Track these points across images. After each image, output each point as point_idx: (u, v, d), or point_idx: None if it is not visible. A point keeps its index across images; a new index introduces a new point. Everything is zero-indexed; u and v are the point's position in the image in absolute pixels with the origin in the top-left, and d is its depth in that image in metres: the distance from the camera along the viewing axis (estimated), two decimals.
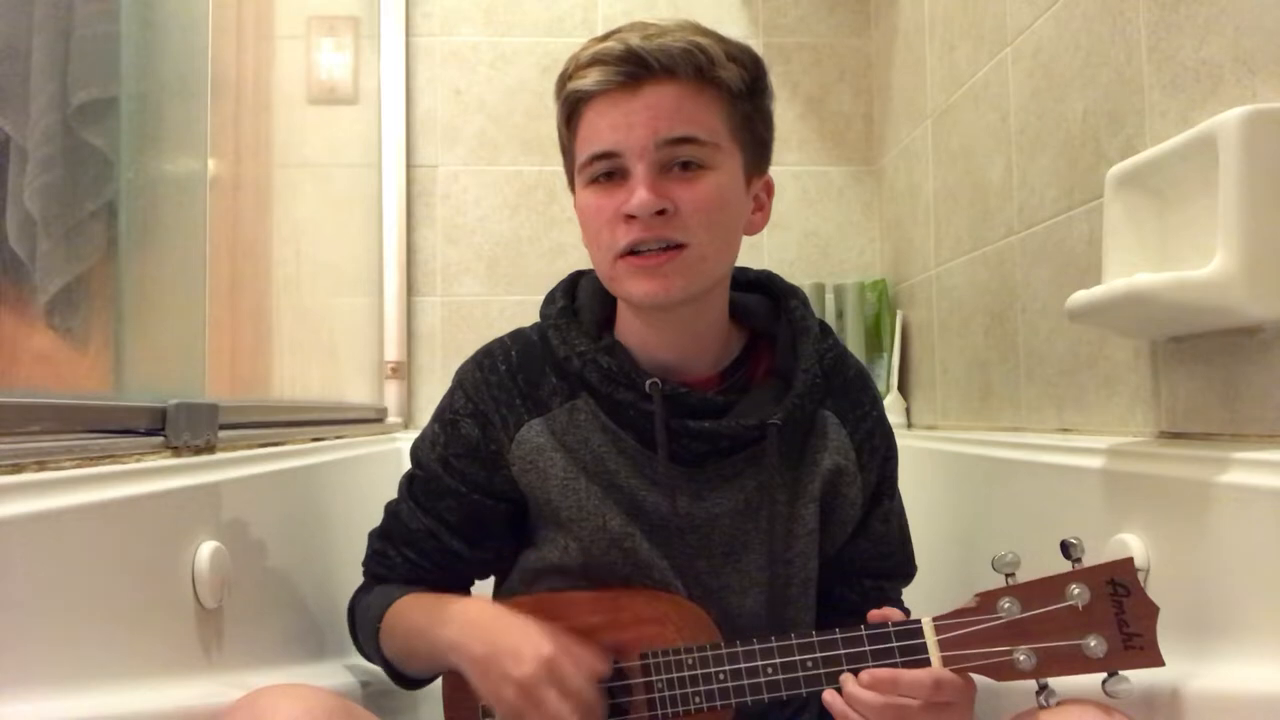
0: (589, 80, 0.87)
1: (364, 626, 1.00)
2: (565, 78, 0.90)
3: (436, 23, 2.03)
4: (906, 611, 0.99)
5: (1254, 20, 0.85)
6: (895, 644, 0.79)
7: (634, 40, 0.85)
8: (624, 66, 0.85)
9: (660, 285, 0.87)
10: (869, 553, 1.00)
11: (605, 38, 0.88)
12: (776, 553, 0.93)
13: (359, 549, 1.05)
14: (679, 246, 0.86)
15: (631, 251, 0.87)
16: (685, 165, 0.87)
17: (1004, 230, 1.38)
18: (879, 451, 0.99)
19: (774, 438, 0.91)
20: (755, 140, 0.93)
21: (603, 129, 0.87)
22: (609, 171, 0.88)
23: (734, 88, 0.88)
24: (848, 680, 0.79)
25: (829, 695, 0.79)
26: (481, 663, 0.84)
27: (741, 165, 0.91)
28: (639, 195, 0.85)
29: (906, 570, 1.04)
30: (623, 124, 0.86)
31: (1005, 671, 0.77)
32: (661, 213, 0.85)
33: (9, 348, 0.86)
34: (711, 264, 0.90)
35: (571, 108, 0.90)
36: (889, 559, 1.02)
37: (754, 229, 0.95)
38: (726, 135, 0.89)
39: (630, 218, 0.86)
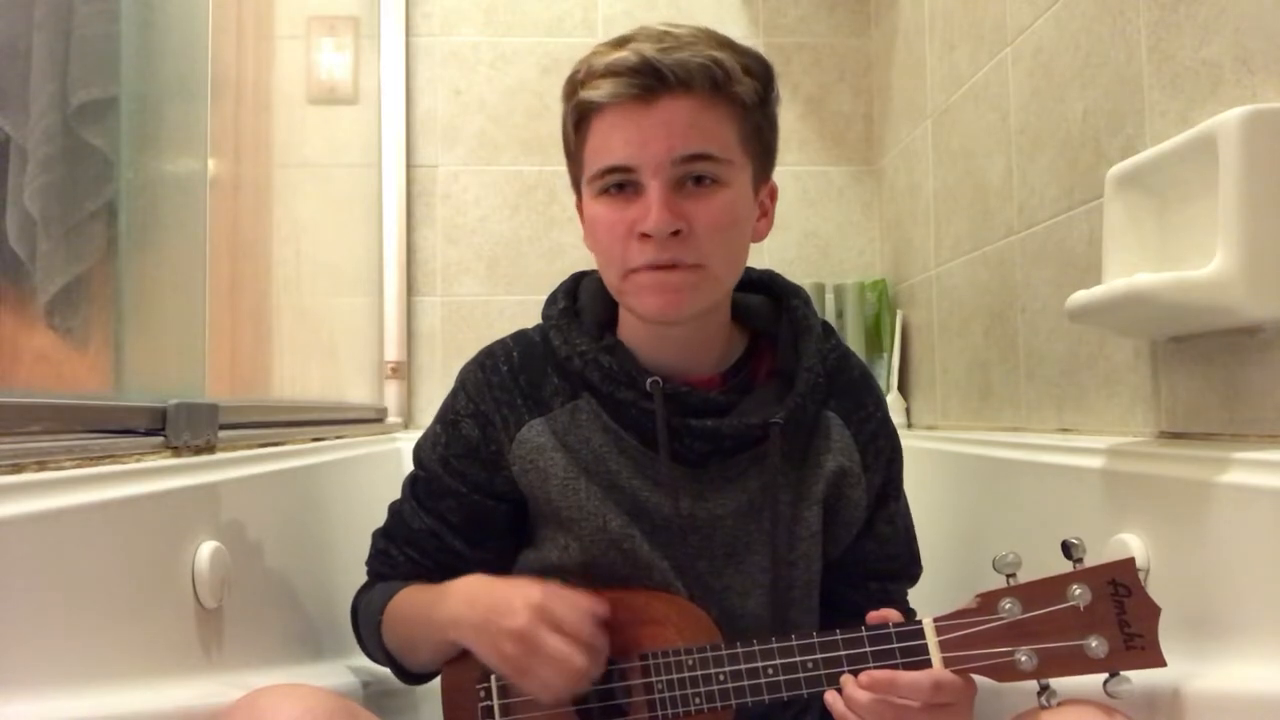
0: (602, 91, 0.85)
1: (367, 622, 1.00)
2: (576, 83, 0.88)
3: (436, 23, 2.02)
4: (912, 612, 0.99)
5: (1254, 20, 0.85)
6: (896, 645, 0.79)
7: (650, 51, 0.83)
8: (639, 79, 0.84)
9: (672, 303, 0.87)
10: (874, 554, 1.00)
11: (619, 45, 0.86)
12: (779, 554, 0.93)
13: (359, 549, 1.05)
14: (692, 267, 0.86)
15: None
16: (699, 180, 0.86)
17: (1004, 230, 1.38)
18: (883, 453, 0.99)
19: (777, 437, 0.91)
20: (764, 149, 0.92)
21: (616, 143, 0.86)
22: (620, 184, 0.87)
23: (748, 101, 0.87)
24: (847, 681, 0.78)
25: (830, 696, 0.79)
26: (478, 627, 0.84)
27: (751, 176, 0.91)
28: (654, 216, 0.84)
29: (912, 571, 1.04)
30: (636, 139, 0.85)
31: (1006, 672, 0.77)
32: (675, 233, 0.85)
33: (9, 348, 0.86)
34: (724, 282, 0.90)
35: (581, 115, 0.89)
36: (894, 560, 1.02)
37: (759, 236, 0.95)
38: (739, 149, 0.88)
39: (645, 236, 0.85)
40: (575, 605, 0.83)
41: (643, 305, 0.88)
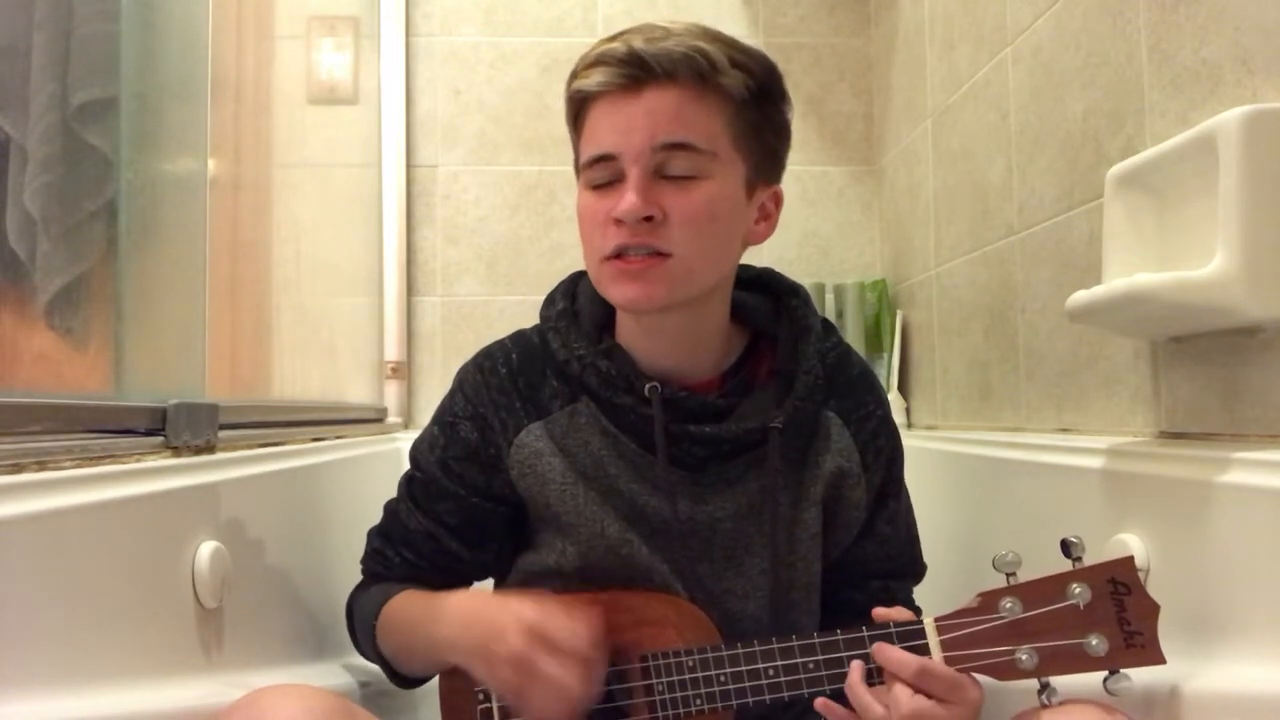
0: (592, 81, 0.87)
1: (362, 625, 1.00)
2: (572, 76, 0.91)
3: (436, 23, 2.02)
4: (917, 610, 0.99)
5: (1254, 20, 0.85)
6: (897, 644, 0.79)
7: (637, 43, 0.85)
8: (625, 69, 0.85)
9: (641, 291, 0.87)
10: (875, 555, 1.00)
11: (613, 39, 0.88)
12: (779, 556, 0.93)
13: (359, 549, 1.05)
14: (664, 255, 0.86)
15: (617, 255, 0.87)
16: (681, 176, 0.86)
17: (1004, 230, 1.38)
18: (883, 453, 0.99)
19: (776, 440, 0.90)
20: (763, 149, 0.91)
21: (603, 130, 0.87)
22: (609, 180, 0.88)
23: (737, 95, 0.87)
24: (882, 649, 0.79)
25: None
26: (476, 655, 0.84)
27: (744, 175, 0.90)
28: (627, 200, 0.85)
29: (914, 569, 1.04)
30: (622, 126, 0.86)
31: (1007, 671, 0.77)
32: (649, 219, 0.85)
33: (9, 348, 0.86)
34: (699, 275, 0.89)
35: (577, 107, 0.91)
36: (895, 560, 1.02)
37: (757, 239, 0.94)
38: (727, 143, 0.88)
39: (619, 221, 0.86)
40: (571, 623, 0.81)
41: (615, 295, 0.89)
